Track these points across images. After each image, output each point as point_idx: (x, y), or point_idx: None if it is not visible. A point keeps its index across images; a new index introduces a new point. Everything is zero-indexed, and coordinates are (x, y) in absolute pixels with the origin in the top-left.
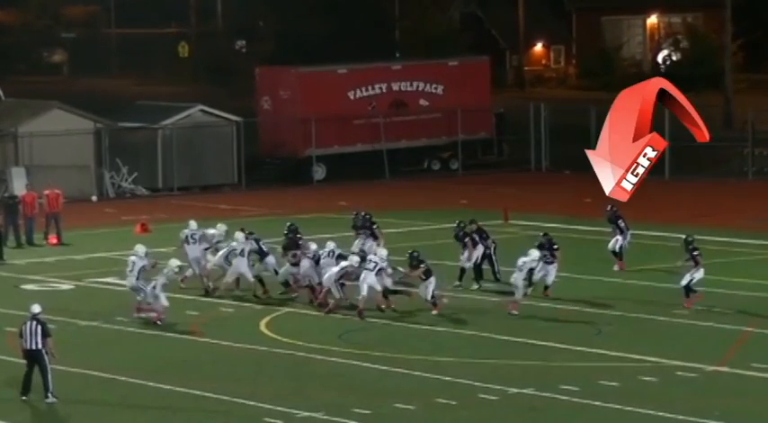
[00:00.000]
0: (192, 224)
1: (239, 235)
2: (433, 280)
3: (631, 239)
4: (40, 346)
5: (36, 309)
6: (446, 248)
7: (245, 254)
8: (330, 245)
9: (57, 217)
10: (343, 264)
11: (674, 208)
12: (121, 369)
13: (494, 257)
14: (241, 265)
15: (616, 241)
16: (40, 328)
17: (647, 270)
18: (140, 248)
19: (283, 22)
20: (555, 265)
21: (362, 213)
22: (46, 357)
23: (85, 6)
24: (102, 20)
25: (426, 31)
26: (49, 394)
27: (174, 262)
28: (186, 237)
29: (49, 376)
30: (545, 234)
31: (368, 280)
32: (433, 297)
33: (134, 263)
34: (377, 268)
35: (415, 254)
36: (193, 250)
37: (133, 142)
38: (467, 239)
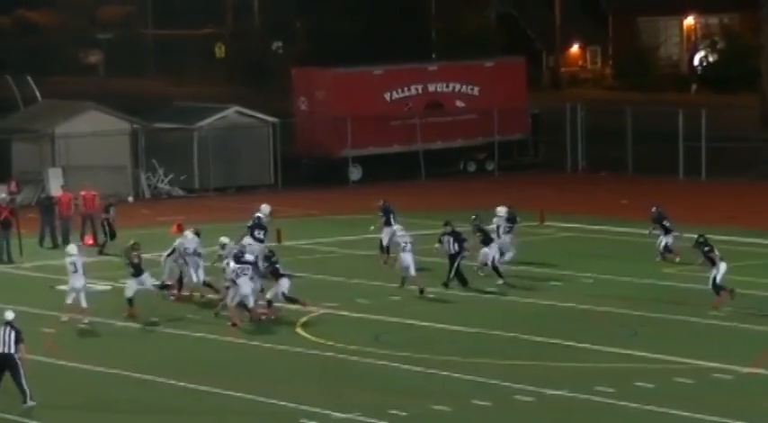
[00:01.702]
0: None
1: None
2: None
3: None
4: (12, 349)
5: (9, 315)
6: None
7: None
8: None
9: (92, 218)
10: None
11: (711, 209)
12: (156, 369)
13: (457, 263)
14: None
15: (660, 241)
16: (13, 334)
17: (682, 271)
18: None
19: (319, 22)
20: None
21: (382, 202)
22: (19, 363)
23: (121, 7)
24: (137, 20)
25: (462, 31)
26: (27, 399)
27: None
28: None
29: (23, 381)
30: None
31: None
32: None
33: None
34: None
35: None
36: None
37: (169, 143)
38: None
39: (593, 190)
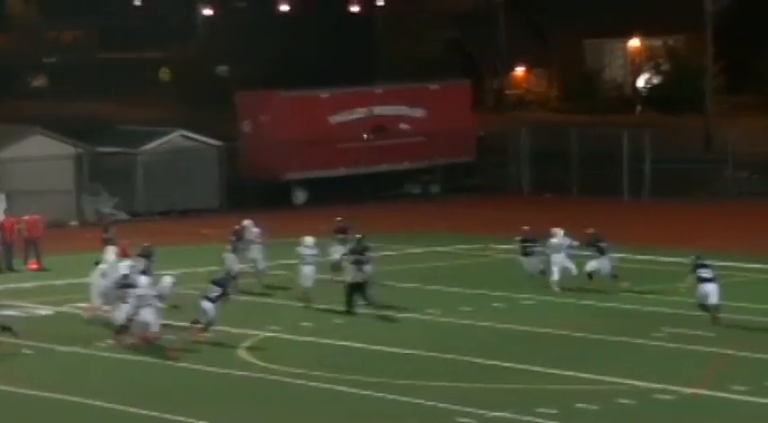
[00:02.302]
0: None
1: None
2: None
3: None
4: None
5: None
6: (426, 271)
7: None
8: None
9: (36, 242)
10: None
11: (654, 230)
12: (98, 394)
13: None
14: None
15: (590, 263)
16: None
17: (624, 293)
18: (168, 279)
19: (265, 46)
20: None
21: (338, 219)
22: None
23: (69, 31)
24: (85, 45)
25: (408, 55)
26: None
27: (168, 279)
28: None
29: None
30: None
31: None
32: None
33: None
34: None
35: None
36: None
37: (113, 167)
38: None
39: (538, 212)
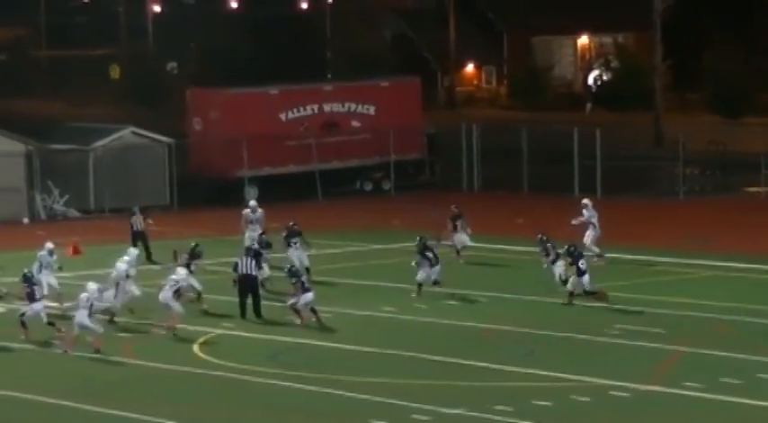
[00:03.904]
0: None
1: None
2: (310, 295)
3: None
4: None
5: None
6: (379, 269)
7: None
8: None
9: None
10: (173, 277)
11: (606, 227)
12: (52, 392)
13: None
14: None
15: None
16: None
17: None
18: (93, 286)
19: (214, 43)
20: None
21: (291, 223)
22: None
23: (14, 28)
24: (31, 42)
25: (357, 51)
26: None
27: (93, 285)
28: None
29: None
30: (420, 238)
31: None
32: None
33: (87, 299)
34: (174, 287)
35: (293, 269)
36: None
37: (64, 164)
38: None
39: (490, 209)
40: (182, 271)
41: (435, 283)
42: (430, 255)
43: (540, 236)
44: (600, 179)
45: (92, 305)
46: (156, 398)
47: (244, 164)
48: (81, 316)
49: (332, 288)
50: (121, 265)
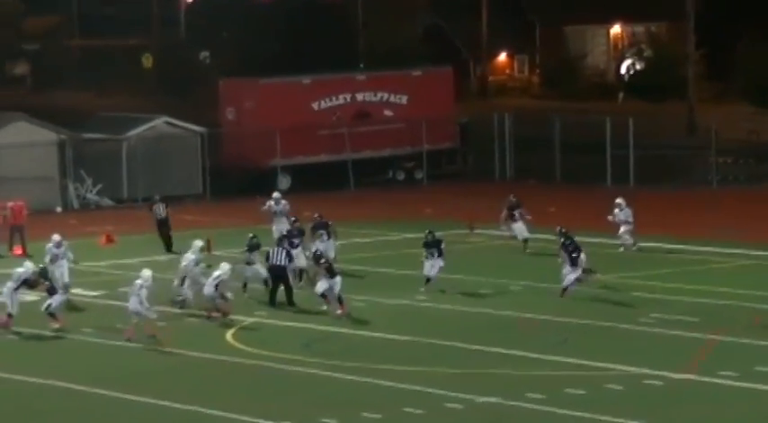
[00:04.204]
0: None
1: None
2: (338, 279)
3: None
4: None
5: None
6: (412, 258)
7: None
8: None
9: (20, 229)
10: (216, 273)
11: (638, 216)
12: (85, 380)
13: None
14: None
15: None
16: None
17: (612, 279)
18: (147, 272)
19: (246, 32)
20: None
21: (316, 215)
22: None
23: (48, 18)
24: (64, 32)
25: (390, 41)
26: None
27: (148, 272)
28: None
29: None
30: (430, 231)
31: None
32: (339, 297)
33: (140, 286)
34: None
35: (318, 252)
36: None
37: (97, 154)
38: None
39: (522, 198)
40: (225, 266)
41: (430, 278)
42: (434, 250)
43: (559, 229)
44: (633, 168)
45: (144, 291)
46: (193, 387)
47: (276, 153)
48: (133, 302)
49: (365, 277)
50: (189, 256)
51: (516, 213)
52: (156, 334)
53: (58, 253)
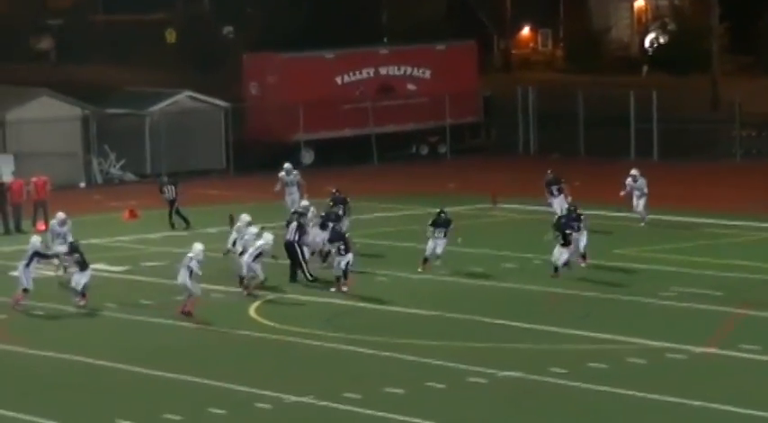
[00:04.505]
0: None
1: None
2: (349, 256)
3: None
4: None
5: None
6: None
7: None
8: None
9: (44, 204)
10: (258, 243)
11: (662, 190)
12: (110, 355)
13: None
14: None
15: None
16: None
17: (632, 252)
18: (198, 246)
19: (270, 7)
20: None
21: (334, 190)
22: None
23: None
24: (87, 7)
25: (414, 15)
26: None
27: (199, 246)
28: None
29: None
30: (442, 211)
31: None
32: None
33: (191, 259)
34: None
35: (338, 227)
36: None
37: (121, 128)
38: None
39: (545, 173)
40: (269, 236)
41: (437, 257)
42: (442, 231)
43: (569, 206)
44: (656, 142)
45: (195, 264)
46: (215, 361)
47: (300, 128)
48: (183, 276)
49: (388, 251)
50: (260, 242)
51: (554, 189)
52: (192, 312)
53: (59, 232)
